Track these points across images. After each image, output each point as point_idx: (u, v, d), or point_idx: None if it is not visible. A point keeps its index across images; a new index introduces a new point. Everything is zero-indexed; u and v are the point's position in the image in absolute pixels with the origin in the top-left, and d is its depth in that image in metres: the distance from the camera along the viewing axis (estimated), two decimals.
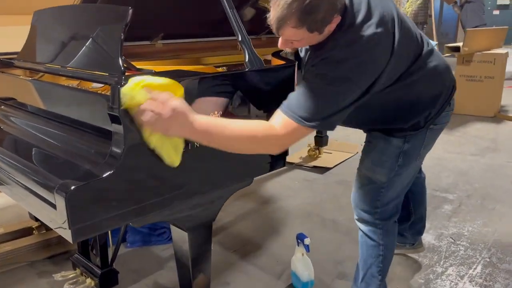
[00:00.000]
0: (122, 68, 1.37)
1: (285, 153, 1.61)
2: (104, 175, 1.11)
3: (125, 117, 1.13)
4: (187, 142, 1.24)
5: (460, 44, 4.80)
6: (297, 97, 1.21)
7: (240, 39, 1.54)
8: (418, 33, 1.41)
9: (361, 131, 1.62)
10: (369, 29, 1.20)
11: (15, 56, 2.02)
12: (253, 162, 1.51)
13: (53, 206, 1.13)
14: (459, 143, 3.95)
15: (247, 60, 1.51)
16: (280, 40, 1.25)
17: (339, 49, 1.20)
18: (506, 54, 4.88)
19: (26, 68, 1.80)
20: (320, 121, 1.19)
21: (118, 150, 1.14)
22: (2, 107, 1.85)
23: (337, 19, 1.19)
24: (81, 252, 1.92)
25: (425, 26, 7.44)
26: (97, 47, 1.55)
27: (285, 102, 1.23)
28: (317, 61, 1.23)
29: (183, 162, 1.21)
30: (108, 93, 1.49)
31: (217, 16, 2.82)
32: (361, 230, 1.64)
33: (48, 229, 2.28)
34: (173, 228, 1.45)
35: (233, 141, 1.16)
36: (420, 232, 2.05)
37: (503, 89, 4.98)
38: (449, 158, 3.56)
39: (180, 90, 1.13)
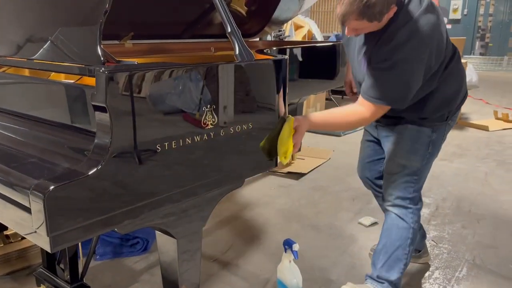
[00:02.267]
0: (102, 59, 1.24)
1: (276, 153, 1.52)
2: (90, 172, 0.96)
3: (113, 106, 0.99)
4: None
5: None
6: (373, 84, 1.47)
7: (229, 30, 1.43)
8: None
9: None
10: (423, 12, 1.41)
11: None
12: (244, 163, 1.41)
13: (27, 209, 0.97)
14: None
15: (237, 52, 1.41)
16: (346, 29, 1.47)
17: (401, 32, 1.40)
18: (465, 64, 5.06)
19: None
20: (395, 100, 1.47)
21: (104, 143, 1.00)
22: None
23: (394, 9, 1.38)
24: (47, 266, 1.73)
25: None
26: (71, 36, 1.40)
27: (364, 90, 1.50)
28: (382, 47, 1.43)
29: (179, 161, 1.09)
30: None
31: (192, 16, 2.73)
32: (394, 213, 1.72)
33: (6, 242, 2.05)
34: (160, 235, 1.31)
35: (338, 126, 1.70)
36: (424, 235, 2.03)
37: None
38: None
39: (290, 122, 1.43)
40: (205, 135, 1.23)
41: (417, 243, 1.99)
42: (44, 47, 1.45)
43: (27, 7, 1.60)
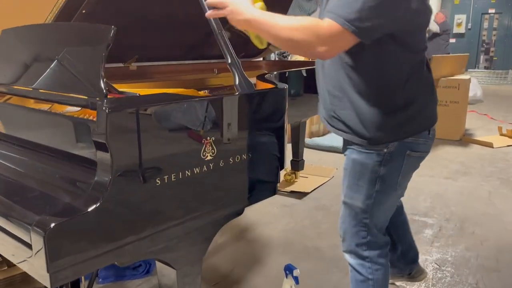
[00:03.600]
0: (105, 91, 1.26)
1: (276, 181, 1.53)
2: (89, 209, 0.98)
3: (113, 143, 1.02)
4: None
5: None
6: (339, 0, 1.17)
7: (229, 61, 1.46)
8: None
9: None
10: None
11: None
12: (244, 192, 1.42)
13: (28, 245, 0.99)
14: (431, 166, 4.00)
15: (237, 83, 1.43)
16: None
17: None
18: (469, 80, 5.07)
19: None
20: (357, 22, 1.13)
21: (103, 180, 1.02)
22: None
23: None
24: None
25: None
26: (76, 68, 1.43)
27: (329, 9, 1.19)
28: None
29: (178, 193, 1.11)
30: (87, 117, 1.38)
31: (194, 39, 2.78)
32: (349, 263, 1.53)
33: (10, 265, 2.07)
34: (159, 264, 1.32)
35: (280, 28, 1.19)
36: (414, 260, 1.96)
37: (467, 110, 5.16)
38: (423, 181, 3.58)
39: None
40: (204, 166, 1.24)
41: (407, 268, 1.94)
42: (48, 77, 1.49)
43: (33, 39, 1.64)
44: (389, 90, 1.31)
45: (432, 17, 6.98)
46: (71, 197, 1.09)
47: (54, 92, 1.37)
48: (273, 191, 1.52)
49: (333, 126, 1.42)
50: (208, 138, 1.25)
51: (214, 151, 1.26)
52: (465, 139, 4.98)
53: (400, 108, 1.32)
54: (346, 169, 1.46)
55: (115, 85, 2.02)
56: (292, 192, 3.28)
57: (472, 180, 3.66)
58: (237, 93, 1.36)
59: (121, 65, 2.63)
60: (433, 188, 3.42)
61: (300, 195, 3.25)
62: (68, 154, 1.28)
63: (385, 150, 1.34)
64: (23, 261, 1.04)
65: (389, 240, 1.56)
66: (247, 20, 1.25)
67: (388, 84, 1.30)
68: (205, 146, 1.24)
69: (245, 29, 1.34)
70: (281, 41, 1.23)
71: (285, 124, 1.55)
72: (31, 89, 1.47)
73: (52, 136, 1.38)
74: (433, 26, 6.75)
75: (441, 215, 2.92)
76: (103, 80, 1.27)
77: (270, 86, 1.59)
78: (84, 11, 2.00)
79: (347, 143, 1.44)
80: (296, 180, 3.52)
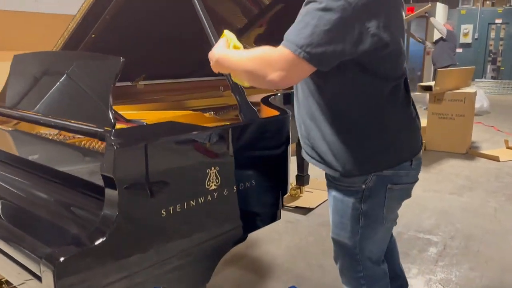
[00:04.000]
0: (113, 121, 1.30)
1: (279, 207, 1.56)
2: (96, 243, 1.02)
3: (121, 178, 1.05)
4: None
5: (431, 83, 4.96)
6: (292, 27, 1.13)
7: (232, 88, 1.50)
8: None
9: None
10: None
11: None
12: (248, 218, 1.45)
13: (37, 277, 1.02)
14: (436, 181, 4.00)
15: (240, 111, 1.47)
16: None
17: None
18: (475, 93, 5.07)
19: (5, 115, 1.69)
20: (309, 48, 1.07)
21: (110, 215, 1.06)
22: None
23: None
24: None
25: None
26: (85, 96, 1.48)
27: (284, 35, 1.15)
28: None
29: (182, 222, 1.14)
30: (96, 147, 1.42)
31: (201, 56, 2.82)
32: None
33: None
34: None
35: (238, 61, 1.20)
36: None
37: (473, 123, 5.15)
38: (428, 197, 3.58)
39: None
40: (208, 196, 1.28)
41: None
42: (57, 104, 1.53)
43: (44, 66, 1.69)
44: (358, 119, 1.26)
45: (440, 25, 7.00)
46: (78, 228, 1.13)
47: (63, 121, 1.41)
48: (276, 217, 1.55)
49: (308, 155, 1.39)
50: (213, 168, 1.28)
51: (219, 181, 1.30)
52: (471, 153, 4.98)
53: (371, 138, 1.27)
54: (330, 206, 1.44)
55: (121, 106, 2.07)
56: (296, 207, 3.30)
57: (477, 196, 3.66)
58: (240, 123, 1.40)
59: (128, 83, 2.69)
60: (438, 204, 3.42)
61: (305, 210, 3.27)
62: (76, 181, 1.32)
63: (363, 186, 1.30)
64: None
65: (386, 273, 1.50)
66: (216, 61, 1.25)
67: (356, 113, 1.25)
68: (210, 176, 1.27)
69: (220, 71, 1.31)
70: (240, 74, 1.21)
71: (289, 150, 1.58)
72: (40, 115, 1.51)
73: (61, 163, 1.42)
74: (443, 31, 6.77)
75: (446, 232, 2.93)
76: (111, 111, 1.31)
77: (274, 111, 1.62)
78: (93, 36, 2.05)
79: (327, 178, 1.41)
80: (301, 194, 3.54)
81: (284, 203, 3.41)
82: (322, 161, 1.34)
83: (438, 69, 4.92)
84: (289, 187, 1.62)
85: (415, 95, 6.40)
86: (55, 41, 2.05)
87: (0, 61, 3.68)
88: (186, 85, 2.95)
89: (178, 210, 1.19)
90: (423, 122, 5.36)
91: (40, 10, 4.14)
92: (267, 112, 1.71)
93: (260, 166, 1.45)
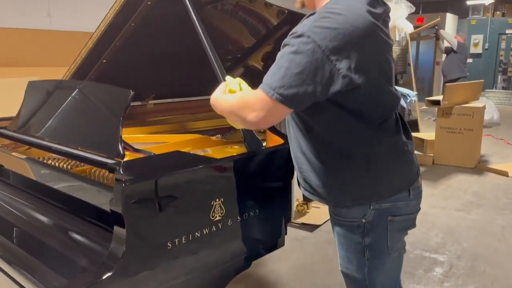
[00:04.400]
0: (122, 152, 1.36)
1: (282, 234, 1.59)
2: (104, 277, 1.06)
3: (128, 214, 1.10)
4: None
5: (439, 97, 4.97)
6: (269, 70, 1.17)
7: None
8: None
9: None
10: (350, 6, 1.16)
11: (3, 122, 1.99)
12: (252, 246, 1.48)
13: None
14: (444, 197, 4.00)
15: (245, 141, 1.51)
16: None
17: (308, 17, 1.18)
18: (483, 108, 5.06)
19: (19, 140, 1.76)
20: (281, 89, 1.12)
21: (117, 251, 1.10)
22: None
23: None
24: None
25: (403, 75, 7.69)
26: (96, 126, 1.54)
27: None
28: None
29: (187, 253, 1.18)
30: (106, 175, 1.48)
31: (208, 74, 2.88)
32: None
33: None
34: None
35: (222, 104, 1.27)
36: None
37: (482, 138, 5.13)
38: (435, 213, 3.58)
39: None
40: (213, 226, 1.32)
41: None
42: (68, 132, 1.59)
43: (57, 94, 1.75)
44: (345, 153, 1.27)
45: (450, 36, 6.99)
46: (87, 259, 1.17)
47: (73, 149, 1.47)
48: (279, 244, 1.58)
49: (302, 187, 1.41)
50: (217, 199, 1.32)
51: (223, 211, 1.34)
52: (480, 167, 4.96)
53: (359, 171, 1.28)
54: (336, 240, 1.45)
55: (130, 129, 2.12)
56: (303, 224, 3.33)
57: (485, 213, 3.65)
58: (244, 154, 1.44)
59: (138, 103, 2.75)
60: (445, 222, 3.42)
61: (311, 227, 3.29)
62: (86, 209, 1.37)
63: (364, 220, 1.32)
64: None
65: None
66: (212, 104, 1.31)
67: (343, 147, 1.27)
68: (214, 207, 1.31)
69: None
70: (227, 116, 1.27)
71: (293, 177, 1.62)
72: (52, 142, 1.57)
73: (70, 190, 1.47)
74: (454, 42, 6.77)
75: (452, 251, 2.93)
76: (121, 143, 1.36)
77: (279, 140, 1.66)
78: (104, 61, 2.12)
79: (330, 214, 1.43)
80: (308, 210, 3.56)
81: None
82: (315, 193, 1.37)
83: (446, 84, 4.92)
84: (293, 213, 1.66)
85: (423, 109, 6.40)
86: (68, 58, 2.12)
87: (15, 77, 3.79)
88: (194, 103, 3.01)
89: (183, 241, 1.24)
90: (431, 135, 5.36)
91: (53, 26, 4.25)
92: (273, 139, 1.75)
93: (264, 196, 1.49)
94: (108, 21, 1.90)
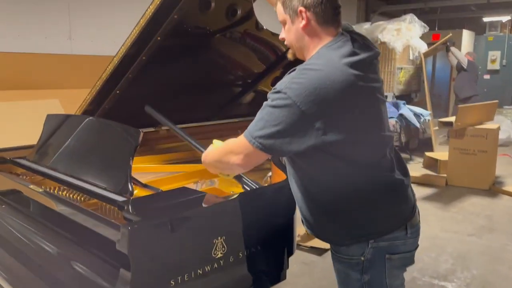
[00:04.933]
0: (131, 190, 1.43)
1: (284, 268, 1.64)
2: None
3: (134, 255, 1.17)
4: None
5: (452, 118, 4.96)
6: (254, 119, 1.28)
7: None
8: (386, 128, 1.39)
9: None
10: (338, 57, 1.24)
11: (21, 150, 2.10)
12: (254, 280, 1.53)
13: None
14: (456, 220, 3.98)
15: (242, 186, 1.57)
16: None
17: (290, 73, 1.25)
18: (498, 129, 5.02)
19: (36, 172, 1.86)
20: (260, 139, 1.22)
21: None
22: (3, 206, 1.88)
23: (305, 17, 1.29)
24: None
25: (418, 93, 7.67)
26: (107, 162, 1.62)
27: None
28: None
29: None
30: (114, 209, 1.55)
31: (222, 99, 2.96)
32: None
33: None
34: None
35: (209, 155, 1.42)
36: None
37: (497, 157, 5.08)
38: (446, 238, 3.57)
39: None
40: (215, 263, 1.37)
41: None
42: (81, 165, 1.69)
43: (73, 128, 1.85)
44: (338, 194, 1.32)
45: (461, 55, 6.97)
46: None
47: (84, 183, 1.55)
48: (282, 277, 1.63)
49: (303, 223, 1.48)
50: (219, 237, 1.38)
51: (225, 249, 1.39)
52: (495, 189, 4.90)
53: (351, 211, 1.33)
54: (335, 277, 1.49)
55: (141, 158, 2.21)
56: (312, 248, 3.35)
57: (497, 238, 3.61)
58: (247, 192, 1.50)
59: (151, 129, 2.84)
60: (456, 247, 3.40)
61: (320, 251, 3.31)
62: (93, 243, 1.44)
63: (362, 258, 1.36)
64: None
65: None
66: (203, 162, 1.45)
67: (334, 189, 1.32)
68: (216, 245, 1.37)
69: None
70: (214, 166, 1.41)
71: (296, 211, 1.67)
72: (65, 175, 1.65)
73: (82, 223, 1.55)
74: (464, 61, 6.78)
75: (462, 279, 2.91)
76: (130, 182, 1.44)
77: (283, 175, 1.71)
78: (118, 92, 2.22)
79: (330, 251, 1.47)
80: None
81: (299, 242, 3.47)
82: (314, 231, 1.44)
83: (459, 106, 4.91)
84: (295, 246, 1.70)
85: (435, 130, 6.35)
86: (87, 80, 2.22)
87: (37, 99, 3.94)
88: (204, 128, 3.09)
89: (186, 279, 1.29)
90: (446, 155, 5.33)
91: (74, 49, 4.42)
92: (278, 173, 1.80)
93: (266, 232, 1.54)
94: (121, 54, 2.00)
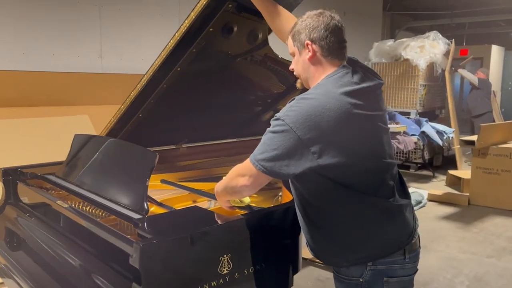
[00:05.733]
0: (146, 208, 1.56)
1: (288, 285, 1.71)
2: None
3: (145, 272, 1.28)
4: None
5: (474, 137, 4.92)
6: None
7: None
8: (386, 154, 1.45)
9: None
10: (336, 91, 1.34)
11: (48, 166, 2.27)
12: None
13: None
14: (476, 241, 3.93)
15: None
16: None
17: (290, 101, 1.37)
18: None
19: (62, 188, 2.02)
20: (262, 162, 1.32)
21: None
22: (32, 218, 2.04)
23: (310, 49, 1.42)
24: None
25: (442, 111, 7.60)
26: (126, 181, 1.76)
27: None
28: None
29: None
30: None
31: (243, 117, 3.07)
32: None
33: None
34: None
35: (221, 184, 1.53)
36: None
37: None
38: (464, 259, 3.54)
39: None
40: (221, 279, 1.47)
41: None
42: (101, 183, 1.83)
43: (97, 148, 2.00)
44: (334, 218, 1.41)
45: (470, 75, 6.91)
46: None
47: (105, 202, 1.69)
48: None
49: (307, 246, 1.56)
50: (225, 255, 1.48)
51: (230, 266, 1.49)
52: None
53: (348, 236, 1.41)
54: None
55: (158, 175, 2.34)
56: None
57: None
58: (253, 212, 1.60)
59: (172, 147, 2.98)
60: (474, 269, 3.38)
61: None
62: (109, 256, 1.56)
63: (361, 279, 1.43)
64: None
65: None
66: (217, 196, 1.58)
67: (330, 213, 1.41)
68: (222, 262, 1.47)
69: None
70: (225, 192, 1.52)
71: (301, 231, 1.75)
72: (86, 191, 1.80)
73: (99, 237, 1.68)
74: (474, 80, 6.79)
75: None
76: (146, 200, 1.57)
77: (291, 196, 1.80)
78: (140, 115, 2.37)
79: (332, 270, 1.55)
80: None
81: (313, 259, 3.51)
82: (314, 254, 1.53)
83: (481, 125, 4.87)
84: (300, 265, 1.78)
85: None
86: (116, 97, 2.34)
87: (68, 115, 4.18)
88: (223, 146, 3.20)
89: None
90: (468, 174, 5.27)
91: (104, 67, 4.66)
92: (286, 194, 1.89)
93: (272, 250, 1.63)
94: (144, 81, 2.15)
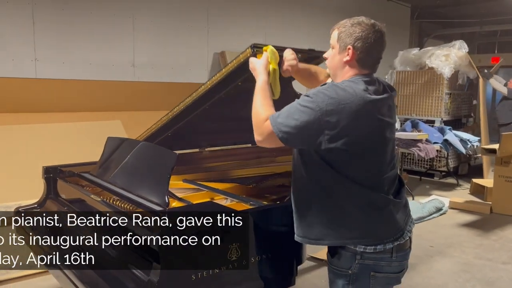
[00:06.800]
0: (167, 201, 1.79)
1: (293, 274, 1.89)
2: None
3: (163, 253, 1.50)
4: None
5: (496, 146, 4.93)
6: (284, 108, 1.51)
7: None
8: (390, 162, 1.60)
9: None
10: (356, 89, 1.48)
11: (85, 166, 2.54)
12: (262, 282, 1.80)
13: None
14: (493, 248, 3.96)
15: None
16: None
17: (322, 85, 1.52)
18: None
19: (95, 184, 2.28)
20: (280, 125, 1.46)
21: (154, 280, 1.51)
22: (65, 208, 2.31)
23: (350, 54, 1.54)
24: None
25: (469, 119, 7.55)
26: (150, 177, 1.99)
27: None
28: None
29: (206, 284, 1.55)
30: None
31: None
32: None
33: None
34: None
35: (254, 104, 1.60)
36: None
37: None
38: (478, 265, 3.60)
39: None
40: (230, 265, 1.67)
41: None
42: (127, 178, 2.06)
43: (126, 149, 2.26)
44: (321, 193, 1.56)
45: (499, 84, 6.82)
46: (134, 284, 1.59)
47: (132, 196, 1.92)
48: (291, 283, 1.89)
49: (296, 231, 1.68)
50: (234, 243, 1.68)
51: (239, 254, 1.69)
52: None
53: (332, 210, 1.55)
54: (328, 284, 1.69)
55: (179, 176, 2.56)
56: None
57: None
58: (260, 208, 1.79)
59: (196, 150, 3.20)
60: (487, 274, 3.43)
61: None
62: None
63: (350, 271, 1.58)
64: None
65: None
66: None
67: (318, 188, 1.56)
68: (231, 250, 1.67)
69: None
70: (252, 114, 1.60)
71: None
72: (116, 187, 2.04)
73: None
74: (503, 90, 6.65)
75: None
76: (167, 195, 1.79)
77: None
78: (169, 134, 2.57)
79: (327, 261, 1.69)
80: None
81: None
82: (301, 230, 1.65)
83: (503, 133, 4.88)
84: (305, 257, 1.96)
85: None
86: (146, 104, 2.47)
87: (102, 120, 4.49)
88: (242, 150, 3.40)
89: (204, 275, 1.61)
90: (492, 182, 5.26)
91: (136, 76, 4.99)
92: None
93: (277, 242, 1.81)
94: (188, 103, 2.27)
